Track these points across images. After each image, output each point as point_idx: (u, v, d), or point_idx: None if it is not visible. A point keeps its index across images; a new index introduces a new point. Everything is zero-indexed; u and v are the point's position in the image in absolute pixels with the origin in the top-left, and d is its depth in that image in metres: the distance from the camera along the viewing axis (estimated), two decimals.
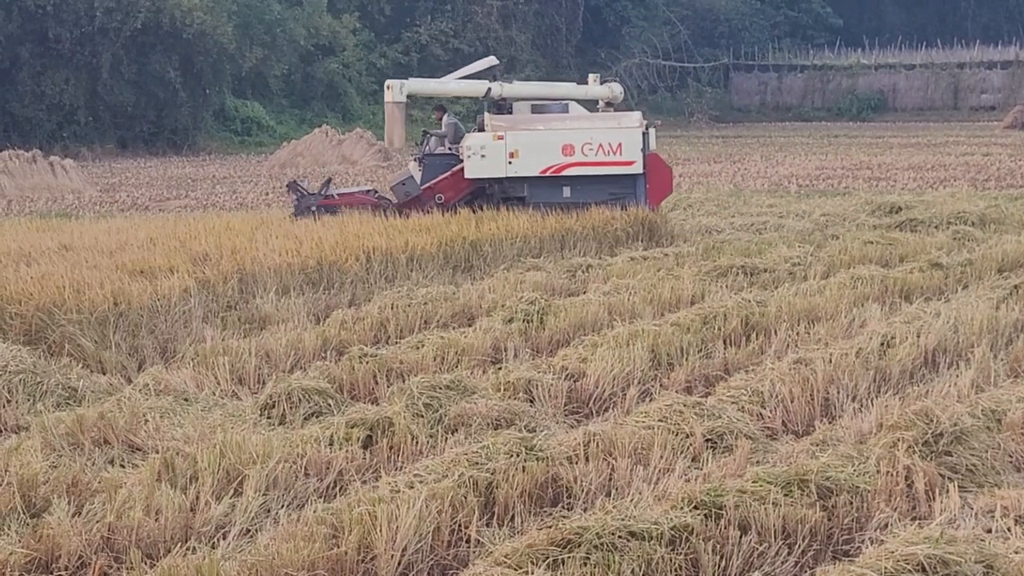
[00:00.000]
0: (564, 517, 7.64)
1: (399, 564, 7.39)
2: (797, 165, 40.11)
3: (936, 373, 11.65)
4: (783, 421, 10.31)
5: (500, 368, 11.54)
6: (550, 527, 7.27)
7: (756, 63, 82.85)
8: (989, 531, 7.64)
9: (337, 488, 8.66)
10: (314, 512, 7.75)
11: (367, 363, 11.68)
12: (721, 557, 7.38)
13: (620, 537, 7.16)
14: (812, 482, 8.06)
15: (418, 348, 12.38)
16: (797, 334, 13.07)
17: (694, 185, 33.58)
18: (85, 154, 49.22)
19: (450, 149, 22.96)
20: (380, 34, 68.17)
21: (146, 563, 7.39)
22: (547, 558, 7.00)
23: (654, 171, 22.45)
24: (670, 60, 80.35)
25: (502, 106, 23.48)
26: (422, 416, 9.78)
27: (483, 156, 21.96)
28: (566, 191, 22.06)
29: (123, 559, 7.45)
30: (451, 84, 24.56)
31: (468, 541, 7.70)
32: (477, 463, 8.39)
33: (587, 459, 8.78)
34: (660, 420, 9.48)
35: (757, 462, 8.91)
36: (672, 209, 26.04)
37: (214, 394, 11.31)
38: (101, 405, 10.32)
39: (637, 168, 22.16)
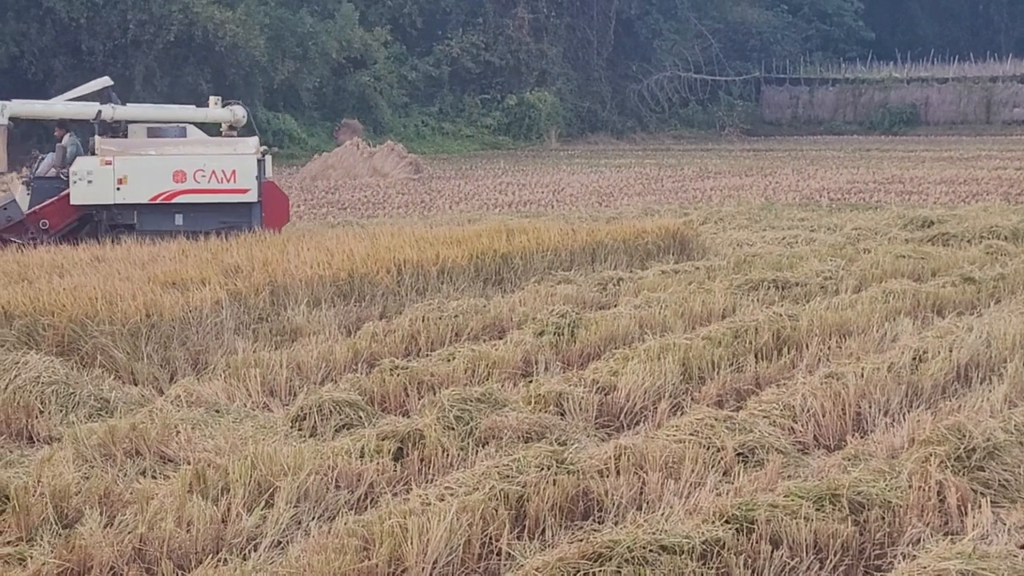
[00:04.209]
0: (595, 531, 7.64)
1: None
2: (829, 179, 40.02)
3: (969, 388, 11.60)
4: (815, 435, 10.28)
5: (531, 381, 11.53)
6: (581, 541, 7.27)
7: (787, 76, 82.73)
8: (1022, 547, 7.59)
9: (368, 500, 8.66)
10: (345, 524, 7.76)
11: (398, 375, 11.69)
12: (752, 572, 7.36)
13: (651, 551, 7.15)
14: (844, 497, 8.03)
15: (449, 361, 12.38)
16: (829, 348, 13.03)
17: (725, 199, 33.54)
18: None
19: (60, 173, 22.03)
20: (412, 47, 68.27)
21: (178, 574, 7.42)
22: (578, 572, 6.99)
23: (270, 199, 22.23)
24: (701, 73, 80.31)
25: (116, 129, 22.62)
26: (453, 429, 9.77)
27: (90, 182, 21.32)
28: (178, 219, 21.58)
29: (155, 570, 7.47)
30: (58, 106, 23.41)
31: (499, 554, 7.69)
32: (508, 476, 8.39)
33: (618, 473, 8.77)
34: (691, 434, 9.47)
35: (788, 476, 8.90)
36: (703, 223, 26.01)
37: (245, 406, 11.33)
38: (133, 416, 10.35)
39: (252, 196, 21.92)
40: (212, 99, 24.84)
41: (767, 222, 26.84)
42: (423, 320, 14.30)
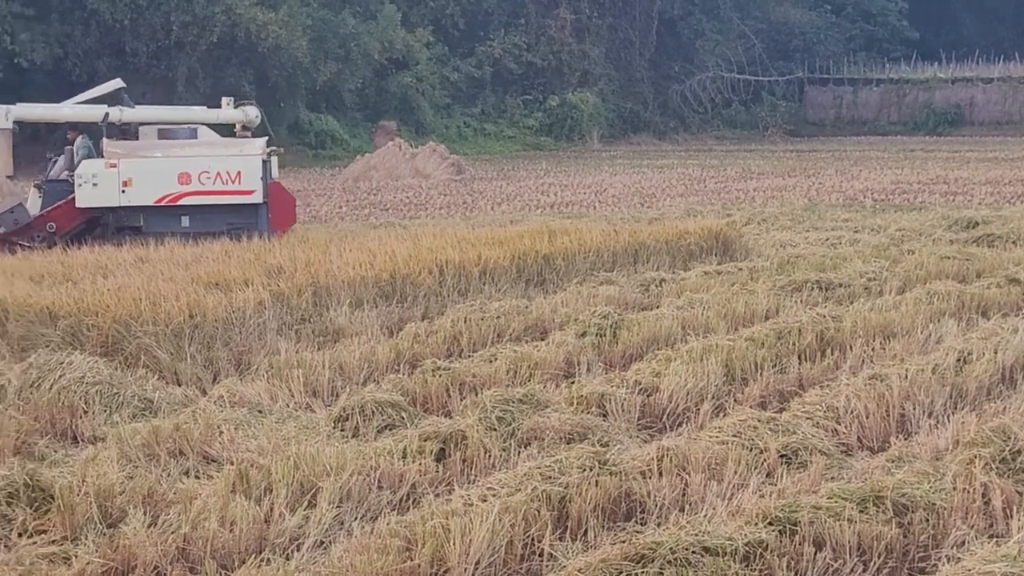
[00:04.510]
0: (638, 532, 7.62)
1: None
2: (872, 179, 39.84)
3: (1014, 390, 11.53)
4: (858, 437, 10.24)
5: (573, 382, 11.52)
6: (624, 542, 7.26)
7: (831, 77, 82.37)
8: None
9: (410, 501, 8.67)
10: (387, 525, 7.77)
11: (440, 376, 11.70)
12: (795, 574, 7.34)
13: (694, 553, 7.13)
14: (888, 499, 8.00)
15: (491, 362, 12.38)
16: (872, 350, 12.97)
17: (768, 199, 33.44)
18: None
19: (70, 176, 21.95)
20: (454, 48, 68.37)
21: (221, 574, 7.45)
22: (620, 573, 6.98)
23: (276, 200, 22.03)
24: (744, 73, 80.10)
25: (126, 131, 22.51)
26: (495, 430, 9.78)
27: (95, 184, 21.25)
28: (185, 221, 21.45)
29: (198, 570, 7.50)
30: (64, 109, 23.31)
31: (541, 555, 7.69)
32: (550, 477, 8.38)
33: (660, 474, 8.75)
34: (734, 435, 9.44)
35: (832, 478, 8.86)
36: (746, 223, 25.94)
37: (288, 406, 11.36)
38: (177, 416, 10.40)
39: (257, 198, 21.73)
40: (224, 100, 24.71)
41: (810, 223, 26.73)
42: (465, 321, 14.30)
